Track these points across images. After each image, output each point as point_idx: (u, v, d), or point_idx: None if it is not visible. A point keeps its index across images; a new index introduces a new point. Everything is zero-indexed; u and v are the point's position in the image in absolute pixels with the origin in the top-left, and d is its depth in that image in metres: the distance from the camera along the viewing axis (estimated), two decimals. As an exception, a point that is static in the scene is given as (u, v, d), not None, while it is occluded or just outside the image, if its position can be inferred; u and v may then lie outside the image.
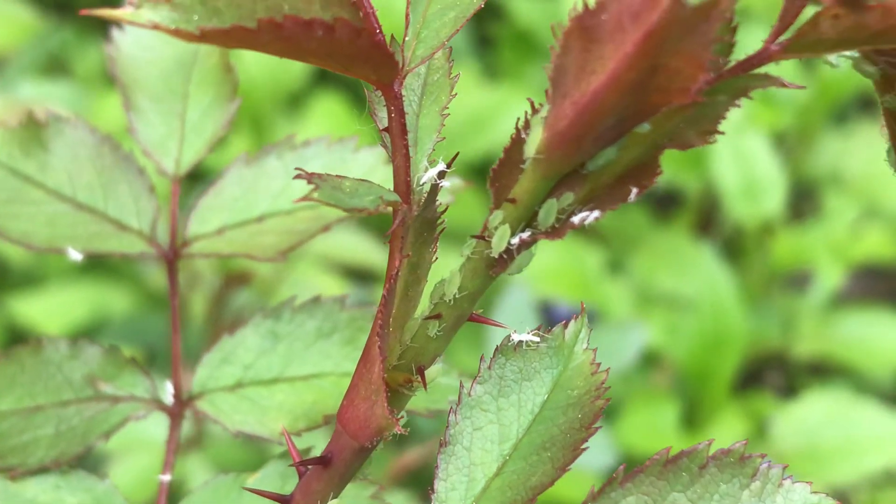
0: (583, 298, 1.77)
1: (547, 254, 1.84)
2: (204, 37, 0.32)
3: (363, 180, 0.37)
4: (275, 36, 0.32)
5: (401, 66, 0.36)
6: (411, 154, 0.38)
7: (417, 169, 0.38)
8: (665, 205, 2.07)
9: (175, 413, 0.52)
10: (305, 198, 0.34)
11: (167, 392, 0.52)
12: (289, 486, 0.49)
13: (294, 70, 1.90)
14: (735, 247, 2.00)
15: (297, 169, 0.35)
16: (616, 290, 1.84)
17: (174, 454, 0.51)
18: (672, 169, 1.90)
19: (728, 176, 1.90)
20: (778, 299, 1.99)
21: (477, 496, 0.40)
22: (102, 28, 1.94)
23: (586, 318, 0.43)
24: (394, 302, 0.38)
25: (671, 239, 1.97)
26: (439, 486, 0.40)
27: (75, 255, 0.51)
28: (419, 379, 0.39)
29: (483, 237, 0.37)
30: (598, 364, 0.42)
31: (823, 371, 1.96)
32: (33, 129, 0.53)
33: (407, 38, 0.37)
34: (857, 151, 2.09)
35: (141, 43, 0.54)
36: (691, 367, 1.78)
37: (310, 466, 0.42)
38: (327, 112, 1.86)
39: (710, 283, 1.82)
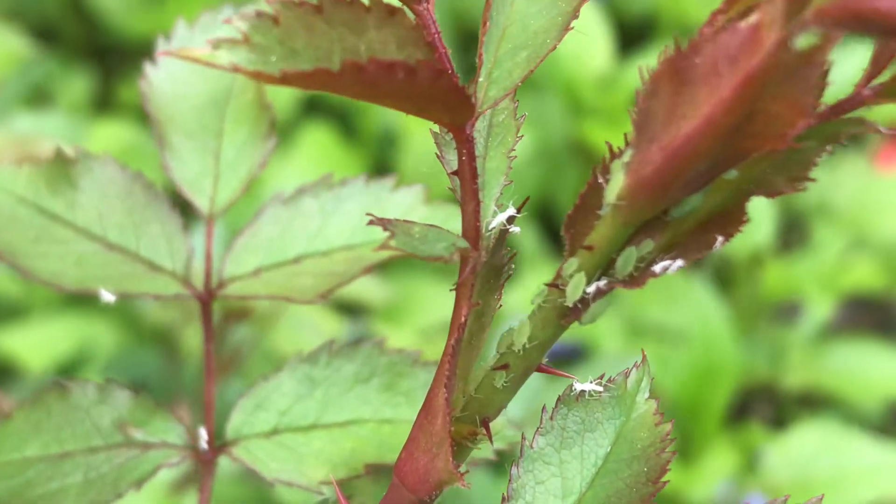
0: (573, 332, 1.77)
1: (535, 285, 1.84)
2: (285, 79, 0.31)
3: (431, 226, 0.36)
4: (356, 79, 0.31)
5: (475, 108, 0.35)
6: (480, 198, 0.36)
7: (486, 213, 0.37)
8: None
9: (209, 460, 0.50)
10: (384, 246, 0.32)
11: (201, 438, 0.50)
12: (328, 537, 0.47)
13: (282, 100, 1.88)
14: (723, 278, 2.00)
15: (368, 214, 0.34)
16: (606, 322, 1.83)
17: (208, 502, 0.50)
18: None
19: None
20: (766, 330, 1.98)
21: (542, 553, 0.39)
22: (88, 58, 1.91)
23: (644, 364, 0.42)
24: (461, 352, 0.37)
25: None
26: (502, 542, 0.39)
27: (108, 297, 0.49)
28: (484, 432, 0.38)
29: (556, 285, 0.36)
30: (662, 414, 0.41)
31: (812, 402, 1.95)
32: (61, 166, 0.52)
33: (480, 80, 0.36)
34: (844, 182, 2.09)
35: (174, 78, 0.52)
36: (683, 399, 1.77)
37: (363, 520, 0.41)
38: (315, 143, 1.85)
39: (702, 316, 1.82)
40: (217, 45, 0.31)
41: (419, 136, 1.82)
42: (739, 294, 1.96)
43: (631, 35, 2.07)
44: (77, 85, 1.98)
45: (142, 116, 1.90)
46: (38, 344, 1.58)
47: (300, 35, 0.32)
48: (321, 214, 0.51)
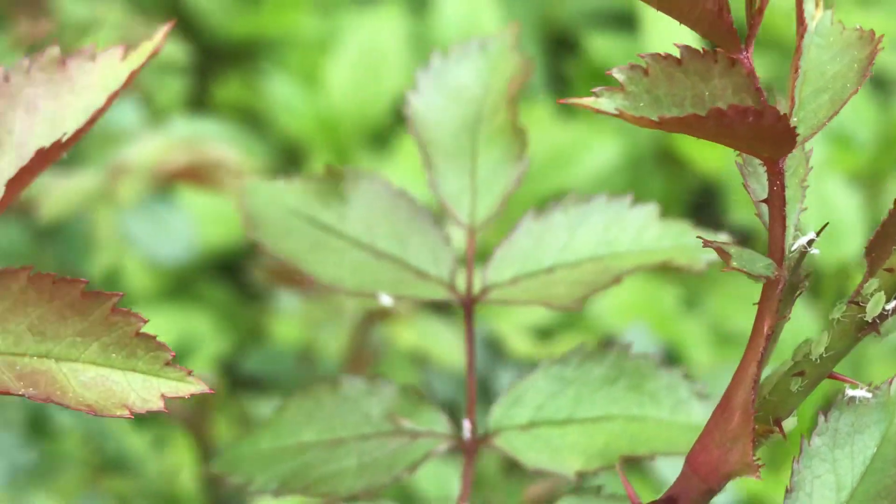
0: (660, 334, 1.81)
1: (623, 287, 1.87)
2: (661, 123, 0.36)
3: (744, 249, 0.41)
4: (717, 122, 0.36)
5: (793, 145, 0.40)
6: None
7: (787, 236, 0.42)
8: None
9: (471, 449, 0.55)
10: (730, 267, 0.38)
11: (465, 429, 0.55)
12: (582, 524, 0.53)
13: (379, 105, 1.93)
14: (812, 287, 2.03)
15: (699, 236, 0.39)
16: (692, 327, 1.87)
17: (470, 488, 0.55)
18: (750, 209, 1.92)
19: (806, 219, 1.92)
20: (850, 340, 2.01)
21: (820, 539, 0.44)
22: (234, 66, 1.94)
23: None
24: (766, 359, 0.42)
25: (746, 278, 1.99)
26: (785, 529, 0.44)
27: (386, 300, 0.55)
28: (777, 430, 0.43)
29: (856, 302, 0.41)
30: (925, 420, 0.46)
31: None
32: (331, 183, 0.57)
33: (794, 119, 0.41)
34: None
35: (431, 105, 0.58)
36: (773, 407, 1.80)
37: (650, 506, 0.46)
38: (412, 152, 1.90)
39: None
40: (600, 93, 0.36)
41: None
42: (827, 304, 2.00)
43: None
44: (173, 84, 2.04)
45: (239, 115, 1.96)
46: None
47: (663, 84, 0.37)
48: (568, 228, 0.57)
